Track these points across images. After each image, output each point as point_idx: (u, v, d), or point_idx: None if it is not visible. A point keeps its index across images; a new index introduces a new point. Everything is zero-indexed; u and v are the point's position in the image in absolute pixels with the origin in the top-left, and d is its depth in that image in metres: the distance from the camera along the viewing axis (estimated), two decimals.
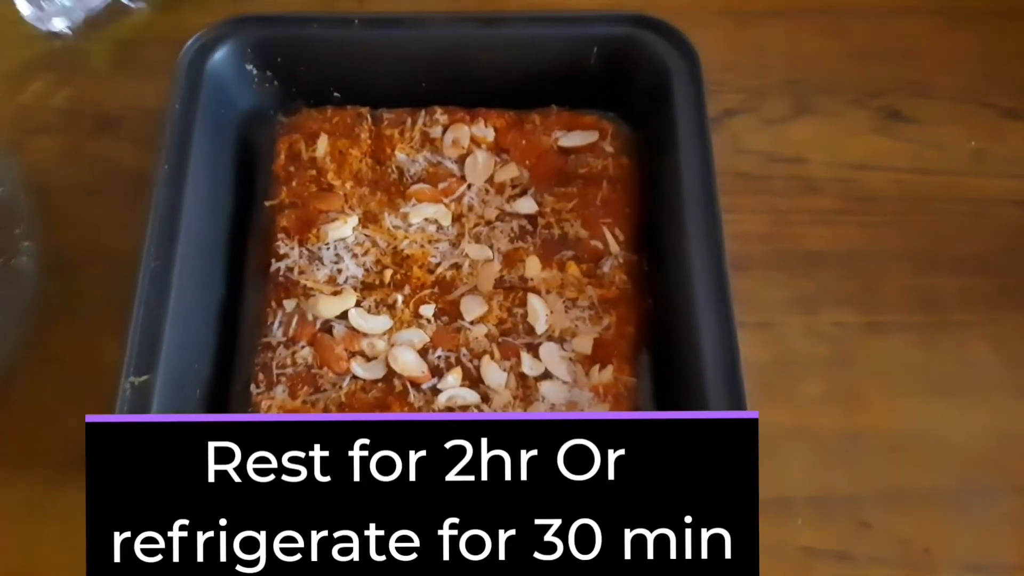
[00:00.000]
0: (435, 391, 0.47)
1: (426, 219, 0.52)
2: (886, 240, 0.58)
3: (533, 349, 0.48)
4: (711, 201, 0.48)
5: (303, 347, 0.48)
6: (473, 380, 0.47)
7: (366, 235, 0.51)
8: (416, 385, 0.47)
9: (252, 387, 0.48)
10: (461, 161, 0.53)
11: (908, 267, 0.57)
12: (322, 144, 0.53)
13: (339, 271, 0.50)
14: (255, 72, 0.56)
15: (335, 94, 0.57)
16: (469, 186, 0.53)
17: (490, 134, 0.54)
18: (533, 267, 0.50)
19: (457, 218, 0.52)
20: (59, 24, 0.61)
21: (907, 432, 0.52)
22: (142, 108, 0.60)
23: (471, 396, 0.47)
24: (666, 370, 0.51)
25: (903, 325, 0.55)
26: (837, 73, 0.63)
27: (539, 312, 0.49)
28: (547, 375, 0.47)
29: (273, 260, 0.51)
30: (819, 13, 0.65)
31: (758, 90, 0.62)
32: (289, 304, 0.49)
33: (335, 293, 0.49)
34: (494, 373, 0.47)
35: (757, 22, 0.65)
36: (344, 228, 0.51)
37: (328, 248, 0.51)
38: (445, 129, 0.54)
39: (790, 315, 0.55)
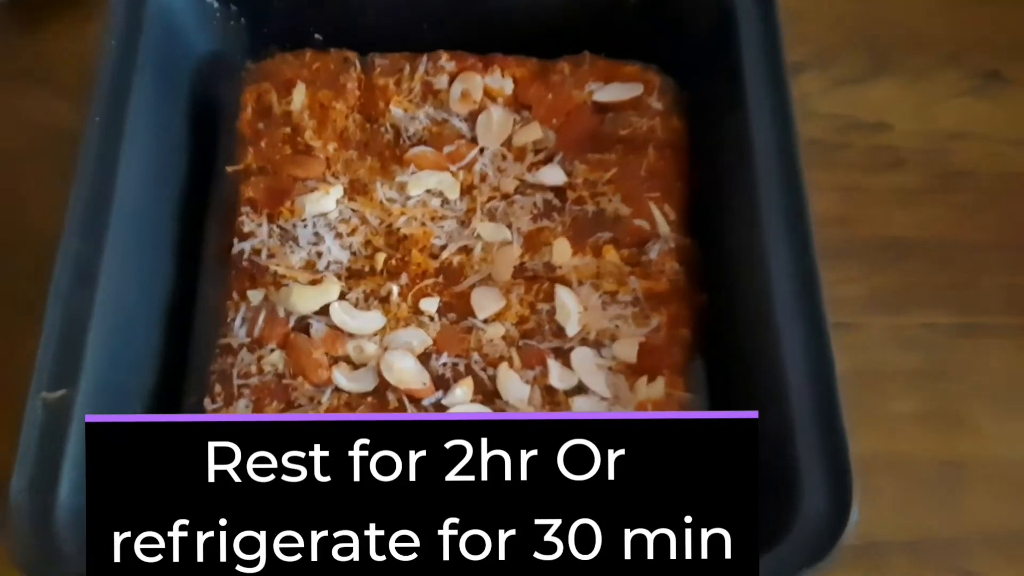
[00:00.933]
0: (439, 407, 0.40)
1: (428, 191, 0.45)
2: (984, 225, 0.50)
3: (563, 355, 0.41)
4: (793, 173, 0.40)
5: (272, 351, 0.41)
6: (487, 394, 0.40)
7: (353, 210, 0.44)
8: (415, 400, 0.40)
9: (207, 401, 0.40)
10: (472, 119, 0.47)
11: (1009, 258, 0.49)
12: (299, 95, 0.46)
13: (319, 254, 0.43)
14: (217, 6, 0.47)
15: (316, 36, 0.49)
16: (482, 150, 0.46)
17: (508, 86, 0.47)
18: (562, 252, 0.43)
19: (467, 190, 0.45)
20: None
21: (1017, 461, 0.44)
22: (82, 53, 0.50)
23: (485, 415, 0.39)
24: (726, 385, 0.43)
25: (1008, 329, 0.48)
26: (923, 26, 0.55)
27: (570, 308, 0.42)
28: (581, 388, 0.41)
29: (236, 240, 0.43)
30: None
31: (830, 44, 0.54)
32: (255, 296, 0.42)
33: (313, 282, 0.42)
34: (514, 385, 0.40)
35: None
36: (326, 200, 0.44)
37: (305, 225, 0.44)
38: (452, 79, 0.47)
39: (872, 315, 0.47)
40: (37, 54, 0.51)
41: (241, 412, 0.39)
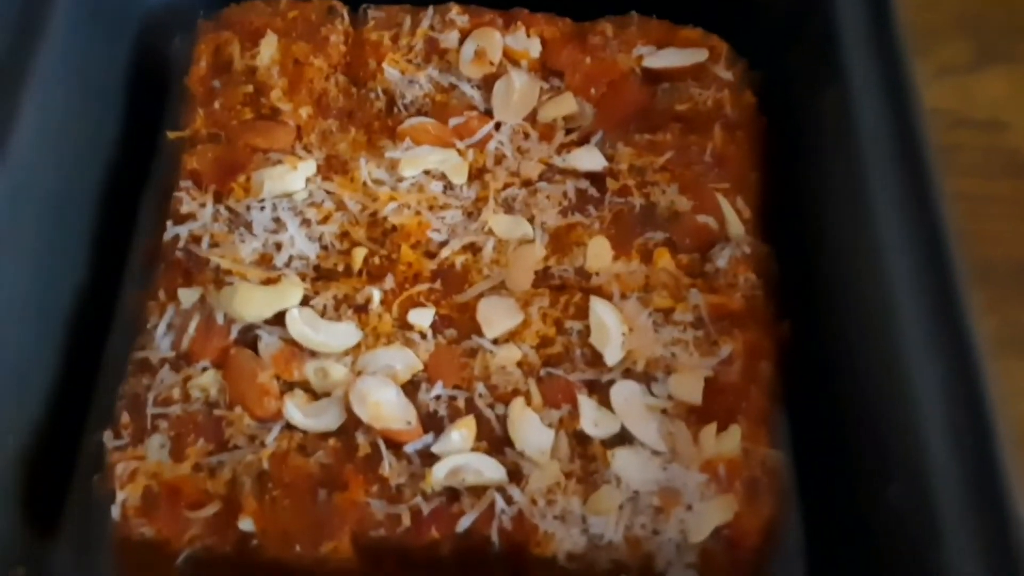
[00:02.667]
0: (428, 457, 0.33)
1: (427, 172, 0.39)
2: None
3: (600, 391, 0.34)
4: (921, 173, 0.34)
5: (204, 369, 0.35)
6: (495, 441, 0.33)
7: (328, 192, 0.39)
8: (396, 445, 0.33)
9: (107, 435, 0.32)
10: (487, 86, 0.42)
11: None
12: (268, 48, 0.41)
13: (277, 246, 0.37)
14: None
15: None
16: (498, 125, 0.41)
17: (534, 47, 0.42)
18: (599, 255, 0.37)
19: (477, 174, 0.40)
20: None
21: None
22: None
23: (490, 470, 0.32)
24: (816, 445, 0.36)
25: None
26: None
27: (609, 328, 0.35)
28: (624, 438, 0.33)
29: (169, 223, 0.37)
30: None
31: (928, 25, 0.48)
32: (188, 296, 0.36)
33: (268, 281, 0.36)
34: (532, 430, 0.33)
35: None
36: (292, 178, 0.38)
37: (263, 208, 0.38)
38: (464, 37, 0.42)
39: (1007, 359, 0.38)
40: None
41: (154, 453, 0.31)
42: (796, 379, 0.37)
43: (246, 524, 0.31)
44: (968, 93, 0.46)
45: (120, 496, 0.31)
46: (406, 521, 0.31)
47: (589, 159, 0.39)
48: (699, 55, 0.40)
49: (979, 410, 0.29)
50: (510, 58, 0.42)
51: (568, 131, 0.41)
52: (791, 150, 0.40)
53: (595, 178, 0.39)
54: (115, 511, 0.31)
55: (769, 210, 0.39)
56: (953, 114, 0.45)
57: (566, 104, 0.41)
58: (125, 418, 0.33)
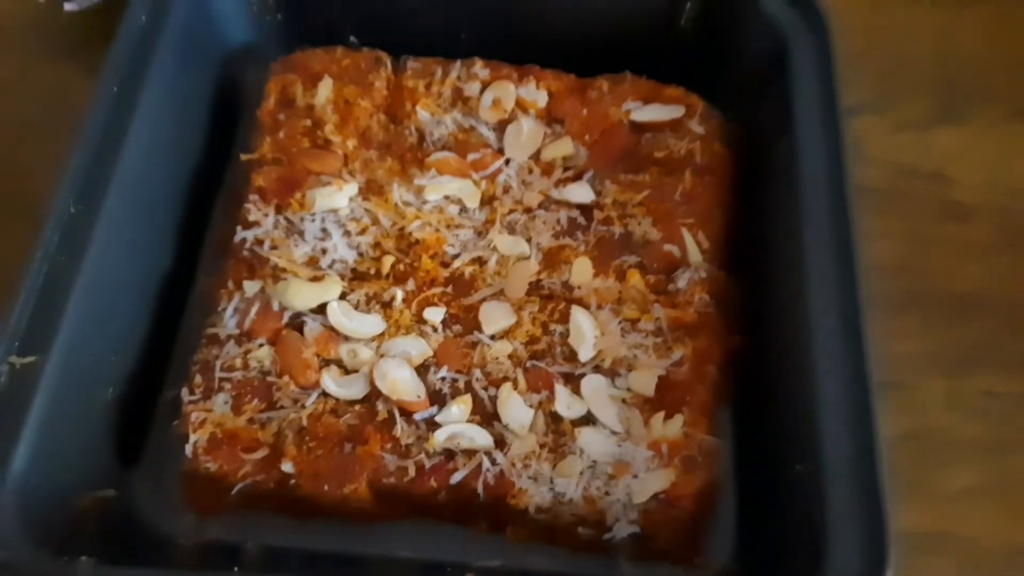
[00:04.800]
0: (432, 424, 0.39)
1: (447, 197, 0.45)
2: None
3: (573, 382, 0.40)
4: (844, 216, 0.39)
5: (260, 345, 0.40)
6: (486, 416, 0.39)
7: (366, 209, 0.44)
8: (407, 413, 0.39)
9: (184, 392, 0.39)
10: (501, 128, 0.47)
11: None
12: (324, 90, 0.46)
13: (323, 251, 0.43)
14: None
15: (351, 38, 0.50)
16: (507, 161, 0.46)
17: (542, 98, 0.47)
18: (582, 272, 0.42)
19: (488, 200, 0.45)
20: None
21: None
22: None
23: (481, 437, 0.38)
24: (755, 435, 0.41)
25: None
26: (996, 77, 0.54)
27: (585, 331, 0.40)
28: (589, 419, 0.39)
29: (239, 228, 0.43)
30: (980, 4, 0.56)
31: (893, 87, 0.53)
32: (251, 287, 0.42)
33: (314, 279, 0.42)
34: (516, 409, 0.39)
35: (900, 7, 0.56)
36: (338, 197, 0.44)
37: (313, 220, 0.43)
38: (485, 87, 0.47)
39: (928, 377, 0.45)
40: (68, 27, 0.53)
41: (219, 407, 0.38)
42: (744, 382, 0.41)
43: (287, 466, 0.37)
44: (922, 147, 0.51)
45: (192, 438, 0.37)
46: (411, 472, 0.37)
47: (580, 193, 0.44)
48: (677, 111, 0.45)
49: (866, 410, 0.35)
50: (521, 106, 0.46)
51: (565, 169, 0.45)
52: (753, 195, 0.45)
53: (584, 209, 0.44)
54: (187, 449, 0.37)
55: (735, 241, 0.44)
56: (907, 165, 0.50)
57: (565, 146, 0.45)
58: (198, 379, 0.39)
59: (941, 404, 0.44)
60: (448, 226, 0.43)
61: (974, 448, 0.42)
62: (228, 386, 0.39)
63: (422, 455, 0.37)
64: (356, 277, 0.42)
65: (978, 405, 0.43)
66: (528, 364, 0.40)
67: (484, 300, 0.41)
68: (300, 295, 0.40)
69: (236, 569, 0.36)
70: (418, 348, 0.40)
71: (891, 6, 0.56)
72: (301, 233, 0.42)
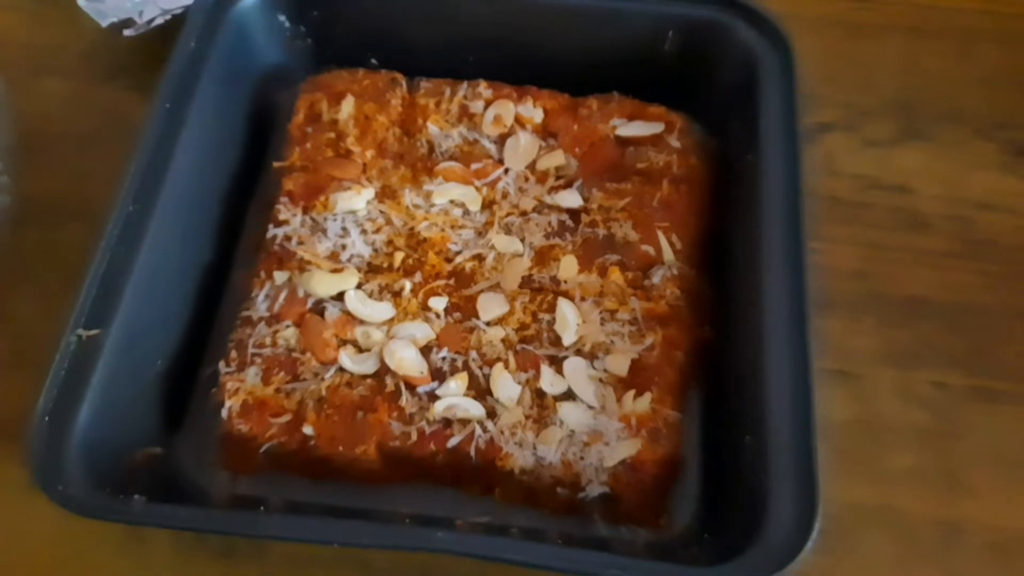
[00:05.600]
0: (432, 397, 0.43)
1: (452, 201, 0.49)
2: (1007, 294, 0.51)
3: (557, 363, 0.44)
4: (796, 223, 0.44)
5: (287, 327, 0.46)
6: (480, 390, 0.44)
7: (381, 211, 0.49)
8: (411, 387, 0.44)
9: (221, 364, 0.44)
10: (501, 141, 0.51)
11: None
12: (347, 106, 0.51)
13: (343, 247, 0.48)
14: (287, 25, 0.54)
15: (372, 60, 0.55)
16: (507, 170, 0.50)
17: (538, 115, 0.52)
18: (569, 268, 0.47)
19: (488, 204, 0.50)
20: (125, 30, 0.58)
21: (1017, 529, 0.44)
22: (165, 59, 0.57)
23: (475, 409, 0.43)
24: (720, 414, 0.45)
25: (1022, 397, 0.47)
26: (958, 99, 0.58)
27: (569, 320, 0.45)
28: (570, 395, 0.43)
29: (271, 226, 0.48)
30: (944, 32, 0.61)
31: (861, 107, 0.57)
32: (280, 276, 0.47)
33: (335, 271, 0.47)
34: (506, 385, 0.43)
35: (870, 35, 0.61)
36: (357, 199, 0.49)
37: (335, 219, 0.48)
38: (488, 105, 0.52)
39: (879, 368, 0.49)
40: (126, 51, 0.59)
41: (251, 378, 0.44)
42: (712, 368, 0.46)
43: (308, 430, 0.41)
44: (886, 163, 0.54)
45: (227, 404, 0.42)
46: (414, 437, 0.41)
47: (570, 199, 0.48)
48: (657, 127, 0.50)
49: (806, 391, 0.39)
50: (520, 122, 0.51)
51: (558, 178, 0.49)
52: (725, 203, 0.49)
53: (573, 213, 0.48)
54: (224, 413, 0.42)
55: (707, 243, 0.48)
56: (871, 179, 0.54)
57: (557, 158, 0.49)
58: (233, 354, 0.44)
59: (891, 393, 0.47)
60: (452, 227, 0.48)
61: (917, 433, 0.46)
62: (259, 360, 0.44)
63: (423, 423, 0.42)
64: (371, 270, 0.47)
65: (923, 395, 0.47)
66: (518, 347, 0.44)
67: (482, 291, 0.46)
68: (322, 284, 0.45)
69: (261, 508, 0.41)
70: (423, 332, 0.44)
71: (861, 35, 0.60)
72: (324, 231, 0.47)
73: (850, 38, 0.60)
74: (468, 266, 0.47)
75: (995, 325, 0.50)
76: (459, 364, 0.44)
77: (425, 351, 0.44)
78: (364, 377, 0.44)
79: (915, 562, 0.44)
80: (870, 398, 0.48)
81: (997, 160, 0.55)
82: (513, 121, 0.51)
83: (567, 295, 0.46)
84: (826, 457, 0.44)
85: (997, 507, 0.45)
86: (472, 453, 0.42)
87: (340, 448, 0.42)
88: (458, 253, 0.47)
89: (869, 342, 0.49)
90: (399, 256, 0.47)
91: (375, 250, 0.48)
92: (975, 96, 0.58)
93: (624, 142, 0.50)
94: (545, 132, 0.51)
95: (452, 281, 0.47)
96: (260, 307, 0.46)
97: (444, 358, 0.44)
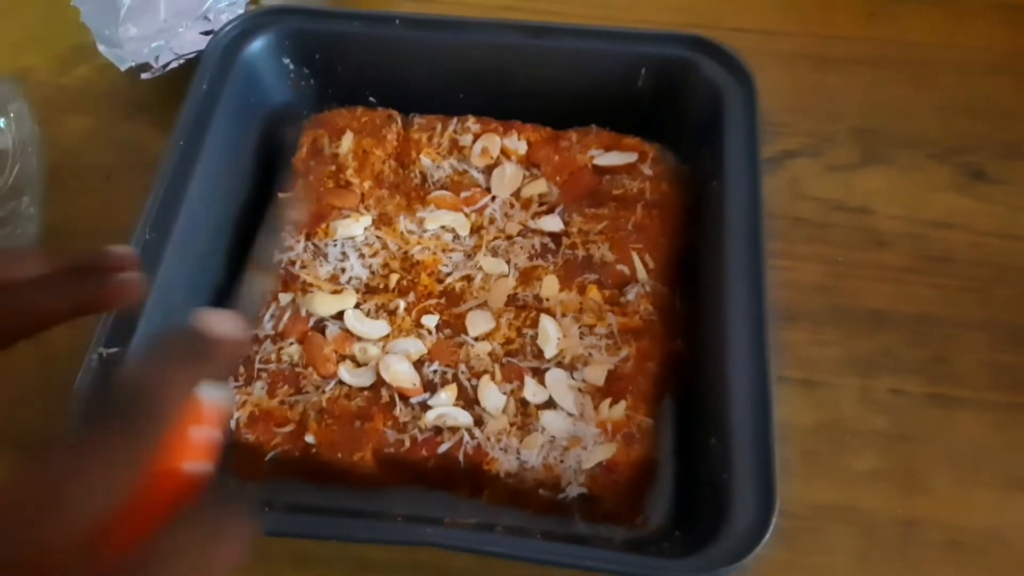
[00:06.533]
0: (424, 407, 0.46)
1: (443, 227, 0.52)
2: (962, 306, 0.54)
3: (539, 374, 0.47)
4: (756, 242, 0.46)
5: (291, 344, 0.48)
6: (468, 400, 0.46)
7: (377, 236, 0.52)
8: (405, 398, 0.46)
9: (230, 379, 0.47)
10: (488, 172, 0.54)
11: (986, 339, 0.53)
12: (346, 141, 0.55)
13: (343, 270, 0.51)
14: (292, 67, 0.58)
15: (371, 98, 0.59)
16: (493, 198, 0.53)
17: (522, 147, 0.55)
18: (550, 287, 0.50)
19: (476, 229, 0.53)
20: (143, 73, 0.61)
21: (975, 528, 0.47)
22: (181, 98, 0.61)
23: (463, 417, 0.46)
24: (691, 420, 0.48)
25: (977, 403, 0.50)
26: (917, 125, 0.61)
27: (550, 334, 0.48)
28: (551, 404, 0.46)
29: (276, 252, 0.51)
30: (905, 64, 0.64)
31: (825, 135, 0.61)
32: (285, 298, 0.50)
33: (335, 292, 0.50)
34: (492, 395, 0.46)
35: (834, 67, 0.64)
36: (355, 227, 0.52)
37: (335, 245, 0.51)
38: (476, 138, 0.55)
39: (843, 376, 0.51)
40: (144, 91, 0.63)
41: (257, 391, 0.47)
42: (685, 378, 0.48)
43: (310, 438, 0.44)
44: (848, 186, 0.57)
45: (235, 415, 0.45)
46: (407, 444, 0.44)
47: (552, 223, 0.51)
48: (632, 157, 0.53)
49: (765, 398, 0.42)
50: (505, 153, 0.54)
51: (540, 204, 0.52)
52: (695, 226, 0.52)
53: (554, 236, 0.51)
54: (232, 424, 0.45)
55: (680, 263, 0.51)
56: (834, 201, 0.57)
57: (540, 186, 0.52)
58: (241, 369, 0.46)
59: (853, 400, 0.50)
60: (443, 250, 0.51)
61: (878, 437, 0.49)
62: (265, 375, 0.46)
63: (416, 431, 0.44)
64: (368, 291, 0.50)
65: (884, 401, 0.50)
66: (504, 360, 0.47)
67: (470, 309, 0.48)
68: (323, 304, 0.48)
69: (267, 508, 0.44)
70: (416, 347, 0.47)
71: (826, 68, 0.64)
72: (325, 256, 0.50)
73: (816, 71, 0.64)
74: (458, 286, 0.50)
75: (951, 335, 0.52)
76: (449, 376, 0.47)
77: (418, 365, 0.47)
78: (361, 389, 0.46)
79: (876, 558, 0.46)
80: (833, 405, 0.50)
81: (953, 182, 0.58)
82: (499, 153, 0.54)
83: (549, 312, 0.49)
84: (792, 460, 0.47)
85: (953, 506, 0.47)
86: (461, 458, 0.44)
87: (339, 455, 0.44)
88: (448, 274, 0.50)
89: (832, 352, 0.52)
90: (394, 278, 0.50)
91: (372, 272, 0.51)
92: (933, 122, 0.61)
93: (601, 171, 0.54)
94: (529, 162, 0.54)
95: (443, 300, 0.49)
96: (266, 326, 0.49)
97: (435, 371, 0.47)
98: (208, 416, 0.26)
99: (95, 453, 0.22)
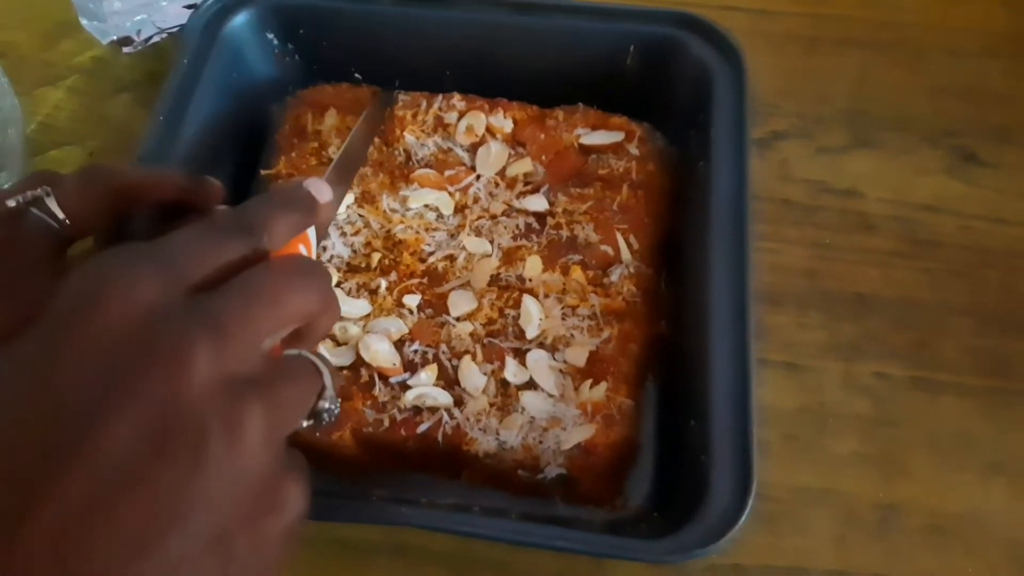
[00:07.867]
0: (404, 387, 0.45)
1: (426, 205, 0.51)
2: (948, 291, 0.53)
3: (520, 355, 0.46)
4: (741, 224, 0.46)
5: None
6: (449, 380, 0.46)
7: (360, 215, 0.51)
8: (384, 378, 0.46)
9: None
10: (473, 150, 0.53)
11: (971, 324, 0.52)
12: (330, 118, 0.54)
13: (324, 248, 0.50)
14: (276, 42, 0.57)
15: (356, 75, 0.58)
16: (478, 177, 0.52)
17: (508, 125, 0.54)
18: (534, 267, 0.49)
19: (460, 209, 0.51)
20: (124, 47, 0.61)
21: (955, 512, 0.46)
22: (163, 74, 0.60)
23: (443, 397, 0.45)
24: (673, 403, 0.48)
25: (960, 388, 0.50)
26: (908, 108, 0.60)
27: (533, 315, 0.47)
28: (531, 385, 0.46)
29: None
30: (896, 46, 0.63)
31: (815, 117, 0.59)
32: None
33: None
34: (473, 375, 0.46)
35: (825, 49, 0.63)
36: None
37: None
38: (461, 116, 0.54)
39: (826, 360, 0.51)
40: (126, 67, 0.62)
41: None
42: (668, 360, 0.48)
43: None
44: (837, 169, 0.56)
45: None
46: (386, 424, 0.43)
47: (537, 203, 0.50)
48: (618, 136, 0.52)
49: (744, 380, 0.41)
50: (491, 132, 0.52)
51: (525, 183, 0.51)
52: (682, 208, 0.51)
53: (539, 216, 0.50)
54: None
55: (665, 244, 0.51)
56: (822, 183, 0.56)
57: (526, 165, 0.51)
58: None
59: (837, 384, 0.50)
60: (426, 229, 0.50)
61: (860, 420, 0.48)
62: None
63: (395, 410, 0.44)
64: (349, 269, 0.49)
65: (867, 385, 0.49)
66: (485, 340, 0.46)
67: (452, 289, 0.48)
68: None
69: None
70: (396, 327, 0.46)
71: (817, 50, 0.63)
72: None
73: (807, 53, 0.63)
74: (440, 266, 0.49)
75: (935, 320, 0.52)
76: (430, 356, 0.46)
77: (398, 344, 0.46)
78: (341, 368, 0.45)
79: (856, 540, 0.46)
80: (817, 388, 0.50)
81: (942, 165, 0.57)
82: (484, 131, 0.53)
83: (532, 292, 0.48)
84: (774, 443, 0.47)
85: (933, 490, 0.47)
86: (440, 438, 0.44)
87: (318, 434, 0.44)
88: (431, 254, 0.49)
89: (817, 336, 0.51)
90: (376, 257, 0.49)
91: (354, 251, 0.50)
92: (923, 105, 0.60)
93: (587, 150, 0.53)
94: (514, 141, 0.53)
95: (425, 280, 0.49)
96: None
97: (416, 351, 0.46)
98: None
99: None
